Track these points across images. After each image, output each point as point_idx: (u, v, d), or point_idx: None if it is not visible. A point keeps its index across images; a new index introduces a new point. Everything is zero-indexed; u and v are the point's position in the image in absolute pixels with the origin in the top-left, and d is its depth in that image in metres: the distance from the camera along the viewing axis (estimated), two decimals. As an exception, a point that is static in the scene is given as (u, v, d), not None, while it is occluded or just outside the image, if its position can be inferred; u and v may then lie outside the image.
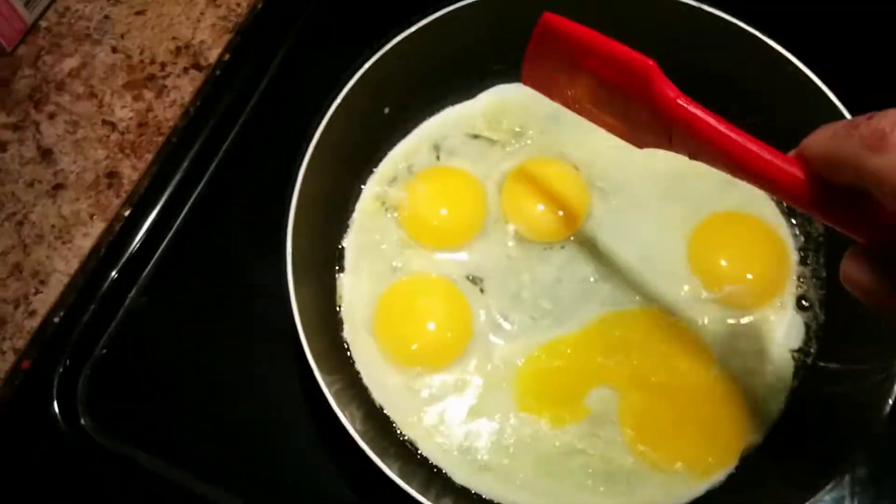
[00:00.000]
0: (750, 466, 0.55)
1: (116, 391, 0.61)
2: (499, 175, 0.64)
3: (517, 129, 0.65)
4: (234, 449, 0.59)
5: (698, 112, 0.37)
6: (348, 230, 0.62)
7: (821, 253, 0.62)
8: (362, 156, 0.63)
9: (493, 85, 0.66)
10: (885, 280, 0.29)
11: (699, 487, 0.54)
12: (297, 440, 0.59)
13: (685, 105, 0.37)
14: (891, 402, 0.48)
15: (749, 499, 0.52)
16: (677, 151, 0.40)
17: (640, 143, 0.44)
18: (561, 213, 0.61)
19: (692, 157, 0.39)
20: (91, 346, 0.62)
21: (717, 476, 0.54)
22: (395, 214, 0.62)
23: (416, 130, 0.65)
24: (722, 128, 0.36)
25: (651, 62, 0.39)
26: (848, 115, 0.55)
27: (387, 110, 0.63)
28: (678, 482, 0.54)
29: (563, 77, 0.46)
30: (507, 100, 0.66)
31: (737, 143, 0.35)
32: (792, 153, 0.33)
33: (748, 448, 0.55)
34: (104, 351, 0.62)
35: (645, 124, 0.41)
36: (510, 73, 0.62)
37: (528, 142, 0.65)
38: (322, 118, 0.56)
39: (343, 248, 0.62)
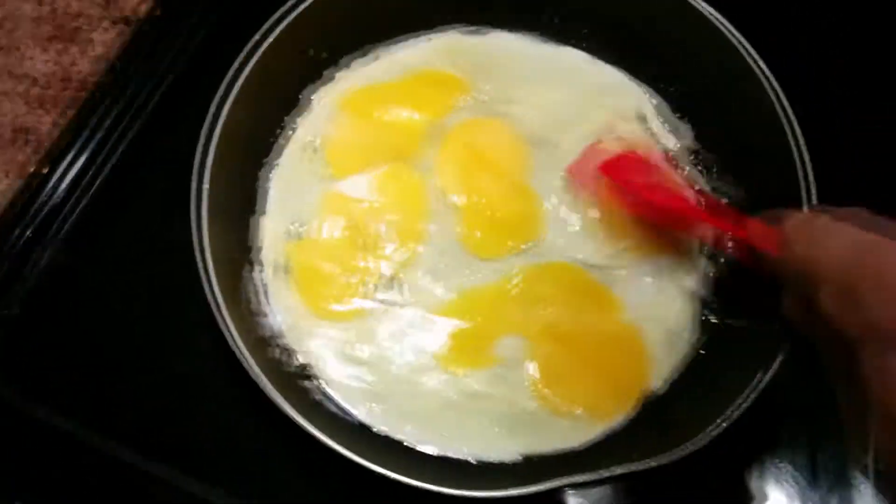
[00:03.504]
0: (651, 413, 0.55)
1: (31, 352, 0.59)
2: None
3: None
4: (153, 409, 0.58)
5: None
6: (272, 172, 0.61)
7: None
8: (290, 97, 0.62)
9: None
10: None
11: (597, 432, 0.54)
12: (216, 397, 0.58)
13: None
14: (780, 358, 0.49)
15: (649, 442, 0.51)
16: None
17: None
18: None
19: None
20: (4, 304, 0.60)
21: (616, 421, 0.55)
22: (322, 155, 0.61)
23: (348, 71, 0.65)
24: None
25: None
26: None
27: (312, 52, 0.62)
28: (577, 427, 0.54)
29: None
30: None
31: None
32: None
33: (649, 395, 0.55)
34: (18, 311, 0.60)
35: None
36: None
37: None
38: (240, 75, 0.56)
39: (266, 188, 0.61)
